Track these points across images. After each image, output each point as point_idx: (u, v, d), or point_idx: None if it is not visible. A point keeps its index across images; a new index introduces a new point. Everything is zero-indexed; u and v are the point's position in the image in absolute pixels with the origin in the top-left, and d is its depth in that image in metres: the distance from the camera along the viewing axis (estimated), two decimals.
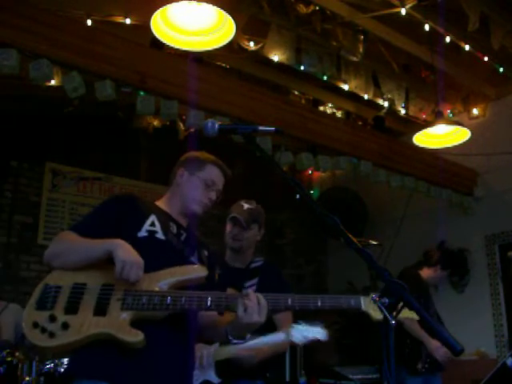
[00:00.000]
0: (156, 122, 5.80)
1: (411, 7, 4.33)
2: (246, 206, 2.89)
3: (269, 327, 2.64)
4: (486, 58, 5.09)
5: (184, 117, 4.44)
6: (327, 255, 7.64)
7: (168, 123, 5.40)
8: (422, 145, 4.81)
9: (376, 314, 1.71)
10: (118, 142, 6.19)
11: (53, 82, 3.73)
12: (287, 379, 5.79)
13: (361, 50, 4.86)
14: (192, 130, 4.31)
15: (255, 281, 2.79)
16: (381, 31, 4.75)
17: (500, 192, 5.75)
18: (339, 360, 6.10)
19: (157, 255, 1.89)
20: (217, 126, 1.66)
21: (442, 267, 4.28)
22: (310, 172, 7.61)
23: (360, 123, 6.43)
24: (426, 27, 4.54)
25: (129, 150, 6.35)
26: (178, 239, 2.02)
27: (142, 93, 3.92)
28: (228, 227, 2.90)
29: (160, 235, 1.96)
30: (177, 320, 1.81)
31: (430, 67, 5.23)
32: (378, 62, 5.40)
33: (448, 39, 4.73)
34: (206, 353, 2.67)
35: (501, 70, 5.35)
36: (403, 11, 4.33)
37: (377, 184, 5.44)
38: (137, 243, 1.88)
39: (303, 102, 6.03)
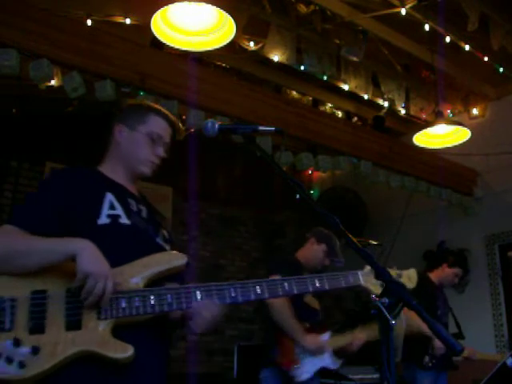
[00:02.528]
0: None
1: (411, 7, 4.33)
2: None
3: None
4: (486, 58, 5.09)
5: (184, 117, 4.44)
6: None
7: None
8: (421, 145, 4.81)
9: (375, 289, 1.71)
10: None
11: (53, 82, 3.72)
12: None
13: (361, 50, 4.86)
14: (192, 130, 4.30)
15: None
16: (381, 31, 4.75)
17: (500, 192, 5.74)
18: None
19: (124, 245, 1.61)
20: (217, 125, 1.64)
21: (448, 265, 4.35)
22: (310, 172, 7.61)
23: (360, 123, 6.43)
24: (426, 27, 4.54)
25: None
26: (140, 218, 1.73)
27: (141, 93, 3.92)
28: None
29: (124, 219, 1.66)
30: (157, 318, 1.57)
31: (430, 67, 5.24)
32: (378, 62, 5.39)
33: (448, 39, 4.73)
34: (323, 341, 3.09)
35: (501, 70, 5.34)
36: (403, 11, 4.33)
37: (377, 184, 5.44)
38: (98, 232, 1.58)
39: (303, 101, 6.02)
